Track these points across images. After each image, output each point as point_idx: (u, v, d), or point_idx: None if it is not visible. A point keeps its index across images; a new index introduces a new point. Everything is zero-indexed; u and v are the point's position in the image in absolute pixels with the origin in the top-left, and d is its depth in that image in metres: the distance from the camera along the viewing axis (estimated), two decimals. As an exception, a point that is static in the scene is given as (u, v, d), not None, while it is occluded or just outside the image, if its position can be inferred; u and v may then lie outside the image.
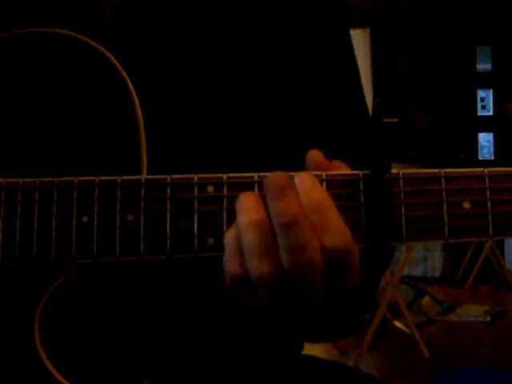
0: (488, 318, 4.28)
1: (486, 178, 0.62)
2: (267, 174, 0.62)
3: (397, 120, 0.56)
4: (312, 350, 0.95)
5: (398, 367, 3.45)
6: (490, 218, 0.62)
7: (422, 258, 5.55)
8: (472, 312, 4.41)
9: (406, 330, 3.78)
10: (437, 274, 5.59)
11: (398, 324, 3.92)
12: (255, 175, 0.63)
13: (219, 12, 0.80)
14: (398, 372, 3.38)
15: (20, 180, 0.66)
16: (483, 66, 6.39)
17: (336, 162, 0.64)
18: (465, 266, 5.51)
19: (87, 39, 0.70)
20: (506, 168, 0.62)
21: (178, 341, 0.78)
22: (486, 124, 6.40)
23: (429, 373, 3.27)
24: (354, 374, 0.91)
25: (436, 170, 0.62)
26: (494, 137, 6.42)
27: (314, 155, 0.62)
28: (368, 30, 6.35)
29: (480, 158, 6.29)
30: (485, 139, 6.44)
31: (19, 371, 0.68)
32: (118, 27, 0.78)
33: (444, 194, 0.62)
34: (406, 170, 0.62)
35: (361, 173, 0.62)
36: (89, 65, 0.70)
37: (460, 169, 0.62)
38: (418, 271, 5.48)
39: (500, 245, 5.60)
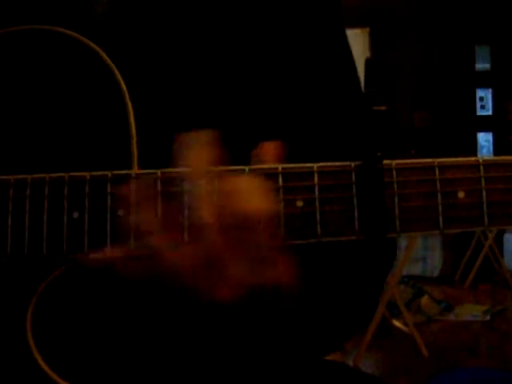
0: (487, 318, 4.29)
1: (481, 167, 0.61)
2: (257, 166, 0.61)
3: (385, 108, 0.56)
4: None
5: (397, 367, 3.46)
6: (485, 207, 0.61)
7: (420, 258, 5.56)
8: (471, 311, 4.42)
9: (405, 329, 3.78)
10: (436, 273, 5.60)
11: (397, 323, 3.93)
12: (246, 168, 0.62)
13: (212, 7, 0.80)
14: (397, 371, 3.39)
15: (11, 177, 0.66)
16: (482, 65, 6.40)
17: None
18: (464, 265, 5.52)
19: (78, 35, 0.70)
20: (501, 157, 0.61)
21: (175, 340, 0.78)
22: (485, 123, 6.41)
23: (428, 372, 3.27)
24: (354, 374, 0.90)
25: (430, 160, 0.62)
26: (493, 136, 6.43)
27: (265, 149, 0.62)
28: (367, 29, 6.37)
29: (479, 158, 6.30)
30: (484, 139, 6.46)
31: (12, 370, 0.67)
32: (109, 23, 0.77)
33: (438, 183, 0.61)
34: (399, 160, 0.61)
35: (353, 164, 0.62)
36: (80, 61, 0.70)
37: (454, 158, 0.61)
38: (416, 271, 5.49)
39: (499, 244, 5.61)
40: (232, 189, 0.60)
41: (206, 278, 0.61)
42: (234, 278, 0.61)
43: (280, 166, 0.61)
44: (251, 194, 0.60)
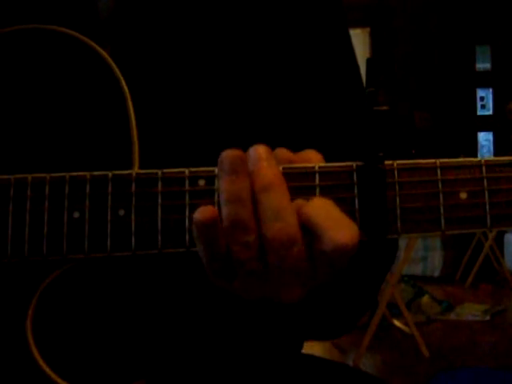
0: (487, 317, 4.29)
1: (483, 168, 0.61)
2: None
3: (387, 108, 0.55)
4: (312, 349, 0.95)
5: (398, 366, 3.46)
6: (487, 208, 0.60)
7: (421, 257, 5.56)
8: (471, 311, 4.42)
9: (406, 329, 3.78)
10: (436, 273, 5.60)
11: (397, 323, 3.93)
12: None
13: (216, 9, 0.80)
14: (398, 371, 3.39)
15: (12, 176, 0.66)
16: (483, 65, 6.40)
17: (305, 153, 0.63)
18: (464, 265, 5.53)
19: (80, 35, 0.70)
20: (503, 157, 0.61)
21: (175, 339, 0.78)
22: (485, 123, 6.41)
23: (428, 372, 3.27)
24: (354, 373, 0.90)
25: (432, 161, 0.61)
26: (494, 136, 6.43)
27: (279, 154, 0.62)
28: (367, 29, 6.37)
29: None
30: (484, 138, 6.46)
31: (12, 370, 0.67)
32: (113, 24, 0.77)
33: (440, 184, 0.61)
34: (400, 161, 0.61)
35: (354, 164, 0.61)
36: (82, 61, 0.70)
37: (456, 159, 0.61)
38: (417, 270, 5.49)
39: (500, 244, 5.61)
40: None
41: (285, 283, 0.60)
42: (311, 283, 0.61)
43: (281, 166, 0.61)
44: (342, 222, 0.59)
